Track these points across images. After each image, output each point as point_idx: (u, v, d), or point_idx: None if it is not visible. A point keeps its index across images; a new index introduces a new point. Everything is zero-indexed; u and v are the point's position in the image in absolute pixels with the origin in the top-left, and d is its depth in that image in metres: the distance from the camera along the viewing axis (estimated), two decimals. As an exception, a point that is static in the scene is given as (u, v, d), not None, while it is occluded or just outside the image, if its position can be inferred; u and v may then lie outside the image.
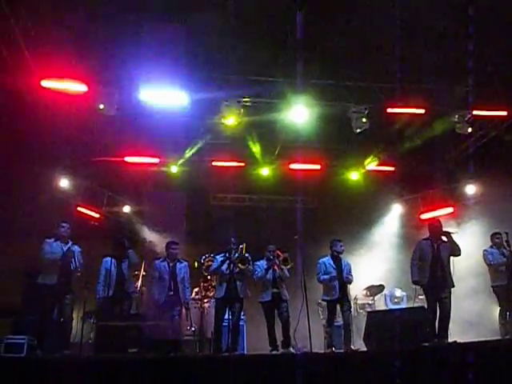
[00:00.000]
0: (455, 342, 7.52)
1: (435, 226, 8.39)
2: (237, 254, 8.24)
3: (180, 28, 9.06)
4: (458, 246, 8.15)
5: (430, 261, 8.01)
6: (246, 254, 8.28)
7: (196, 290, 10.01)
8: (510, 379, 6.44)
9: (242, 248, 8.27)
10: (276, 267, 8.41)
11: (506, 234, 8.53)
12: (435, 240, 8.16)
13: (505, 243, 8.57)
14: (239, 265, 8.14)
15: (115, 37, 8.44)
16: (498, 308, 8.58)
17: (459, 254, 8.18)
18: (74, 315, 8.11)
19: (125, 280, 8.41)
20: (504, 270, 8.52)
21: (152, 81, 9.08)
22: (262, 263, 8.55)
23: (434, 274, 7.95)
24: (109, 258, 8.30)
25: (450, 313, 7.87)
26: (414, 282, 8.24)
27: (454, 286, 8.01)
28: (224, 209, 12.16)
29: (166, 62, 8.82)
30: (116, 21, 8.30)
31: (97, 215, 11.10)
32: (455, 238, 8.23)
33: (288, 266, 8.40)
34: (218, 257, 8.42)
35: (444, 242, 8.12)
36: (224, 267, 8.21)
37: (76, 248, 8.10)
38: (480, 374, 6.37)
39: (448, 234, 8.15)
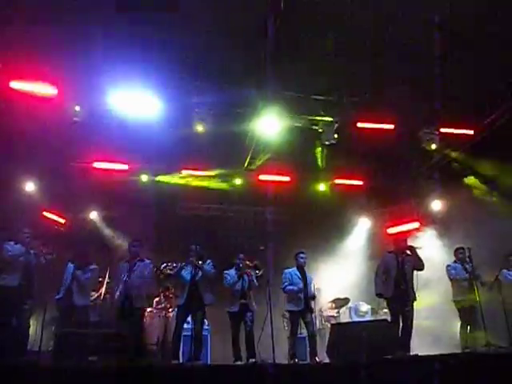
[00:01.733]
0: (416, 354, 7.58)
1: (400, 239, 8.51)
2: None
3: (153, 36, 9.04)
4: (421, 260, 8.25)
5: (394, 274, 8.10)
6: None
7: (157, 299, 9.90)
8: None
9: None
10: (247, 274, 8.32)
11: (469, 249, 8.69)
12: (400, 253, 8.26)
13: (467, 258, 8.72)
14: (195, 262, 7.90)
15: (88, 41, 8.38)
16: (459, 322, 8.71)
17: (423, 269, 8.27)
18: (34, 321, 7.92)
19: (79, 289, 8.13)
20: (466, 285, 8.66)
21: (123, 87, 9.05)
22: (232, 271, 8.48)
23: (398, 287, 8.03)
24: (71, 265, 8.15)
25: (412, 326, 7.96)
26: (378, 295, 8.31)
27: (416, 300, 8.11)
28: (192, 218, 12.10)
29: (139, 68, 8.78)
30: (88, 24, 8.25)
31: (62, 220, 10.93)
32: (419, 252, 8.33)
33: (260, 273, 8.32)
34: (178, 264, 8.19)
35: (408, 255, 8.22)
36: (185, 273, 8.04)
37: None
38: (441, 386, 6.43)
39: (412, 249, 8.26)
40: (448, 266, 9.01)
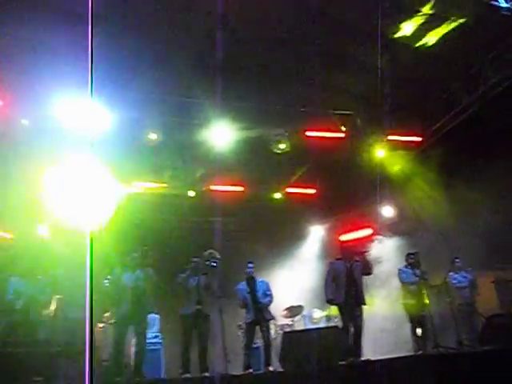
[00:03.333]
0: (368, 359, 7.66)
1: (347, 246, 8.61)
2: None
3: (103, 44, 8.91)
4: (370, 264, 8.36)
5: (343, 280, 8.12)
6: None
7: (107, 314, 9.67)
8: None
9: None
10: (205, 274, 8.02)
11: (417, 253, 8.90)
12: (348, 260, 8.30)
13: (416, 263, 8.91)
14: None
15: (33, 50, 8.22)
16: (410, 324, 8.85)
17: (371, 273, 8.40)
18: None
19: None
20: (415, 289, 8.81)
21: (71, 97, 8.88)
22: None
23: (348, 293, 8.07)
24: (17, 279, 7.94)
25: (361, 330, 8.01)
26: (329, 301, 8.35)
27: (365, 304, 8.17)
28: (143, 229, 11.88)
29: (87, 78, 8.62)
30: (30, 31, 8.08)
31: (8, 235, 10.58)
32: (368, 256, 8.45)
33: (216, 260, 8.05)
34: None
35: (356, 261, 8.28)
36: (125, 278, 7.69)
37: None
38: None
39: (361, 254, 8.35)
40: (399, 269, 9.15)
